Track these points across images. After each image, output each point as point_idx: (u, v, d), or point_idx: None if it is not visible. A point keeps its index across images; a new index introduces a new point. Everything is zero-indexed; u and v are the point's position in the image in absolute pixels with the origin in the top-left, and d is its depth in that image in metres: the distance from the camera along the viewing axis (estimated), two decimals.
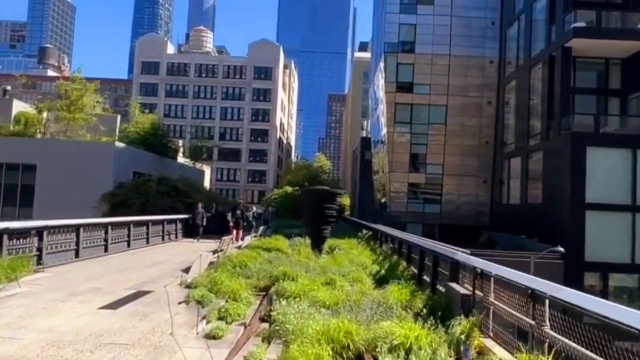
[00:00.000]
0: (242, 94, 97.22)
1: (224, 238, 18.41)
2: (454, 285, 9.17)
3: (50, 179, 31.85)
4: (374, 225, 27.74)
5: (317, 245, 18.60)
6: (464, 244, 14.41)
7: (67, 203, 28.16)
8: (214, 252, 17.35)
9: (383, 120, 47.02)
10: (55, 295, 10.21)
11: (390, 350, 6.31)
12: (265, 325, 8.63)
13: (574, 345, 5.16)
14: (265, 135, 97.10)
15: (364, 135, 76.18)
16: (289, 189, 61.10)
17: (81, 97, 37.75)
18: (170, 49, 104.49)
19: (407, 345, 6.28)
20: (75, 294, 10.48)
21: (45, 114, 38.86)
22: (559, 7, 31.53)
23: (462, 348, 7.20)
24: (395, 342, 6.31)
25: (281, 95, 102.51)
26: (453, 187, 44.14)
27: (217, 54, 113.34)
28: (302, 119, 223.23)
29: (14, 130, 36.48)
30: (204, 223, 26.59)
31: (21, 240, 13.17)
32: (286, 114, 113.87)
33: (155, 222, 23.60)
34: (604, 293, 26.07)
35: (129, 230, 20.20)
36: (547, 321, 5.86)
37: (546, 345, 5.80)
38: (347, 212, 69.18)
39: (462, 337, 7.27)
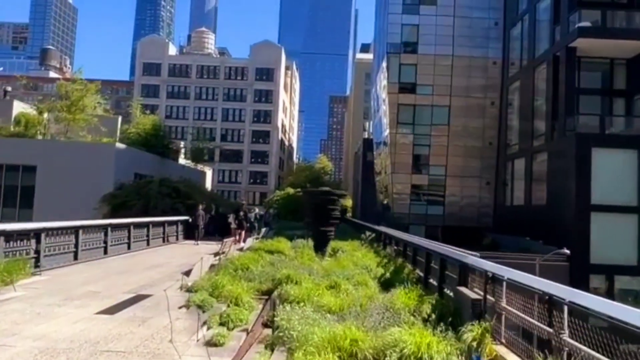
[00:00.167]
0: (244, 96, 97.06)
1: (225, 240, 18.11)
2: (463, 289, 8.86)
3: (50, 180, 31.60)
4: (377, 227, 27.42)
5: (320, 247, 18.31)
6: (467, 246, 14.09)
7: (67, 204, 27.91)
8: (216, 254, 17.05)
9: (385, 121, 46.73)
10: (51, 299, 9.92)
11: None
12: (268, 331, 8.34)
13: (599, 356, 4.84)
14: (266, 137, 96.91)
15: (366, 136, 75.94)
16: (290, 190, 60.86)
17: (82, 98, 37.47)
18: (172, 51, 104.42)
19: (419, 355, 5.96)
20: (72, 298, 10.19)
21: (45, 115, 38.63)
22: (564, 7, 31.23)
23: (473, 356, 6.91)
24: (406, 352, 5.99)
25: (283, 96, 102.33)
26: (456, 189, 43.83)
27: (218, 56, 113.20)
28: (303, 121, 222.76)
29: (14, 131, 36.24)
30: (204, 225, 26.34)
31: (18, 242, 12.92)
32: (288, 115, 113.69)
33: (155, 224, 23.36)
34: (609, 296, 25.72)
35: (129, 232, 19.94)
36: (566, 329, 5.55)
37: (565, 354, 5.50)
38: (349, 214, 68.95)
39: (474, 344, 6.98)
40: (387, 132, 46.12)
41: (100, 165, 32.54)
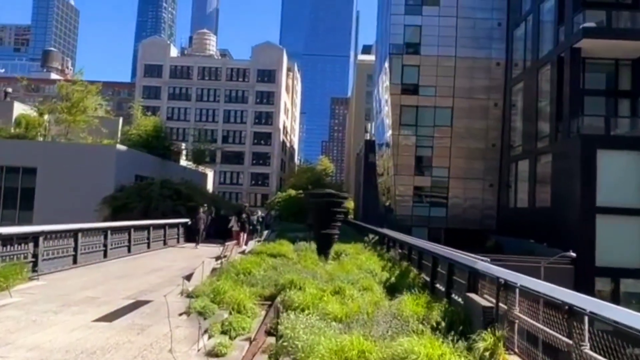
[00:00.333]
0: (245, 97, 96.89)
1: (227, 244, 17.84)
2: (473, 296, 8.56)
3: (50, 182, 31.33)
4: (380, 230, 27.12)
5: (323, 250, 18.02)
6: (470, 248, 13.83)
7: (67, 206, 27.60)
8: (217, 258, 16.78)
9: (388, 122, 46.44)
10: (48, 305, 9.62)
11: None
12: (272, 339, 8.06)
13: None
14: (268, 138, 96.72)
15: (368, 138, 75.59)
16: (292, 192, 60.65)
17: (82, 99, 37.20)
18: (174, 52, 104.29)
19: None
20: (70, 304, 9.90)
21: (46, 117, 38.38)
22: (568, 7, 30.94)
23: None
24: None
25: (284, 98, 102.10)
26: (459, 191, 43.49)
27: (220, 57, 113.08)
28: (305, 122, 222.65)
29: (15, 133, 35.99)
30: (205, 228, 26.03)
31: (15, 246, 12.63)
32: (289, 117, 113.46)
33: (156, 227, 23.04)
34: (615, 299, 25.41)
35: (129, 235, 19.64)
36: (587, 341, 5.27)
37: None
38: (351, 216, 68.66)
39: (487, 354, 6.70)
40: (389, 133, 45.83)
41: (100, 167, 32.26)
